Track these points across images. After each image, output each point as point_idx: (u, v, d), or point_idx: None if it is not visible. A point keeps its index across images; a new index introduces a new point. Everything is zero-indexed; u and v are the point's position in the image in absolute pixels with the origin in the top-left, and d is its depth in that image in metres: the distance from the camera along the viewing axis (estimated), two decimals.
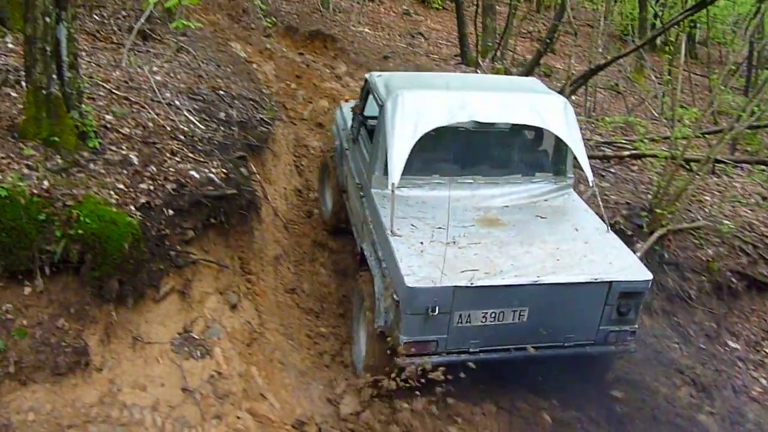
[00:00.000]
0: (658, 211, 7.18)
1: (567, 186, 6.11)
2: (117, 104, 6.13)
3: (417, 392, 4.86)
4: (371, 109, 6.37)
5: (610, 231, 5.60)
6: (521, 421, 5.31)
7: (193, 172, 5.60)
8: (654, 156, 8.67)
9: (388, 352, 4.87)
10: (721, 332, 6.99)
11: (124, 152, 5.42)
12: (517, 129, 6.16)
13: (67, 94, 5.03)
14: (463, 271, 4.70)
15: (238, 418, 4.74)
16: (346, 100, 8.34)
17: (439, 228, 5.14)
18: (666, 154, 8.00)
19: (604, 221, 5.67)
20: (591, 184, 5.87)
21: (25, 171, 4.66)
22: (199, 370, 4.91)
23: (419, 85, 6.07)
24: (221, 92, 7.50)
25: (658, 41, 16.34)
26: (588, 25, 18.82)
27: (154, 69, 7.24)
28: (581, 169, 5.81)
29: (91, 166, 5.07)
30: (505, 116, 5.81)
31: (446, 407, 5.08)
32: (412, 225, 5.23)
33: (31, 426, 4.06)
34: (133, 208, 4.91)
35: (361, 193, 5.95)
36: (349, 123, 7.02)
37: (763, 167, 8.99)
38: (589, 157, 8.96)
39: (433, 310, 4.56)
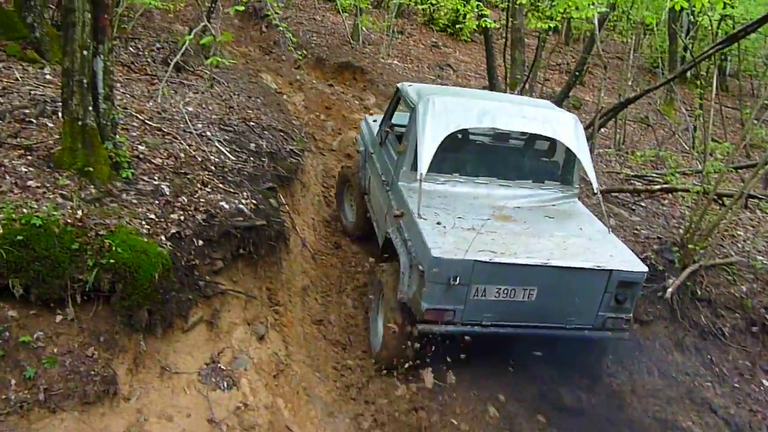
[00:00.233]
0: (690, 246, 7.07)
1: (573, 195, 6.69)
2: (150, 135, 6.23)
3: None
4: (397, 118, 7.15)
5: (611, 233, 6.11)
6: None
7: (223, 203, 5.66)
8: (686, 190, 8.56)
9: (406, 329, 5.41)
10: (756, 371, 6.81)
11: (155, 182, 5.49)
12: (531, 141, 6.86)
13: (102, 125, 5.13)
14: (481, 250, 5.16)
15: None
16: (371, 113, 9.33)
17: (460, 217, 5.73)
18: (698, 188, 7.89)
19: (606, 225, 6.19)
20: (596, 191, 6.36)
21: (60, 200, 4.74)
22: (226, 402, 4.90)
23: (447, 93, 6.70)
24: (252, 123, 7.59)
25: (689, 74, 16.24)
26: (618, 58, 18.81)
27: (187, 100, 7.36)
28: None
29: (124, 196, 5.15)
30: (523, 126, 6.37)
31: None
32: (436, 213, 5.75)
33: None
34: (163, 238, 4.96)
35: (387, 188, 6.54)
36: (375, 131, 7.67)
37: None
38: (620, 191, 8.98)
39: (455, 280, 5.04)
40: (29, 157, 5.16)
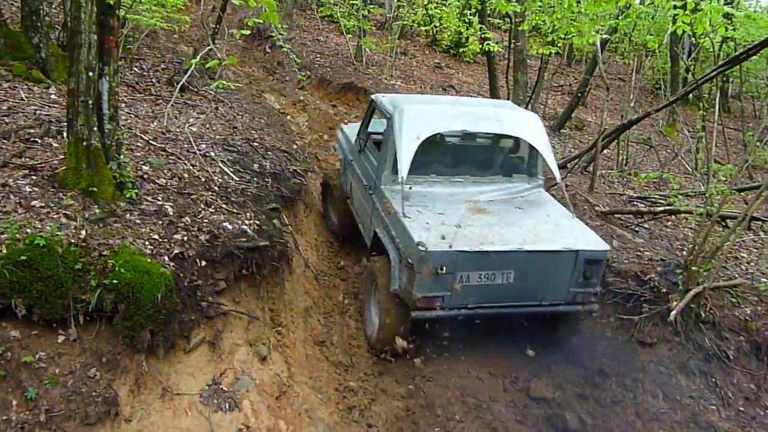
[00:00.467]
0: (693, 268, 7.03)
1: (538, 185, 7.29)
2: (154, 155, 6.25)
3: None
4: (373, 125, 7.73)
5: (575, 218, 6.72)
6: None
7: (226, 224, 5.66)
8: (689, 212, 8.55)
9: (399, 314, 6.00)
10: (761, 394, 6.74)
11: (159, 203, 5.50)
12: (497, 139, 7.43)
13: (106, 146, 5.15)
14: (463, 241, 5.74)
15: None
16: (345, 123, 9.76)
17: (440, 213, 6.25)
18: (701, 210, 7.88)
19: (570, 211, 6.80)
20: (558, 181, 6.98)
21: (64, 220, 4.75)
22: (228, 423, 4.86)
23: (418, 102, 7.27)
24: (255, 144, 7.61)
25: (691, 95, 16.30)
26: (620, 79, 18.89)
27: (191, 120, 7.39)
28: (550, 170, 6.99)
29: (128, 216, 5.15)
30: (489, 127, 6.97)
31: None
32: (419, 211, 6.26)
33: None
34: (166, 258, 4.96)
35: (370, 192, 7.05)
36: (352, 139, 8.18)
37: None
38: (623, 213, 8.97)
39: (441, 269, 5.57)
40: (34, 177, 5.18)
